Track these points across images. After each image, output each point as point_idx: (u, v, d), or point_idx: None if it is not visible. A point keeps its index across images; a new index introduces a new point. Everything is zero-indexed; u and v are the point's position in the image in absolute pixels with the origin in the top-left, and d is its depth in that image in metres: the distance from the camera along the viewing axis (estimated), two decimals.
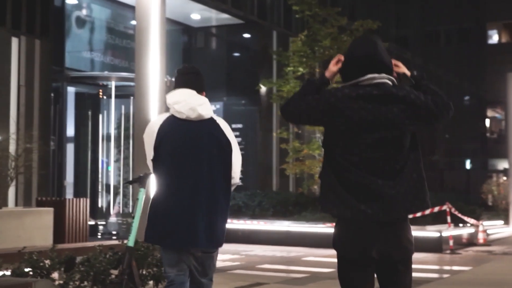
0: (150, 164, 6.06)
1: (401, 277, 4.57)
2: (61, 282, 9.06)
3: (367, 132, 4.40)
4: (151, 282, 10.21)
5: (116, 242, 11.11)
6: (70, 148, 21.35)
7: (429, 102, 4.43)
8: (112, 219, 20.73)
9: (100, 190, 21.42)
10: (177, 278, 5.84)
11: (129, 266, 8.56)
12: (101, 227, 21.02)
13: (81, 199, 14.12)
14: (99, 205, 21.42)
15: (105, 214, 21.13)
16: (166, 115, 5.81)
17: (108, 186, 21.49)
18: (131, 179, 11.74)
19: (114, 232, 20.09)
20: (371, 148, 4.39)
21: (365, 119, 4.40)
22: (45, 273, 9.08)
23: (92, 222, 20.68)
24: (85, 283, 9.43)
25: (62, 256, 9.30)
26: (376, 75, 4.47)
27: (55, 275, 9.18)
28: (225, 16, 25.63)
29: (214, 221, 5.75)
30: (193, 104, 5.68)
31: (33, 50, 17.77)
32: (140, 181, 8.60)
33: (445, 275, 13.98)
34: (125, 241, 7.94)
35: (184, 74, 5.90)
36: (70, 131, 21.33)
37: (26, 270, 8.92)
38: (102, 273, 9.36)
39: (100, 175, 21.36)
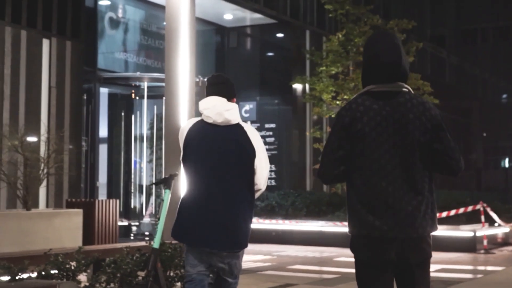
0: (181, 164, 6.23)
1: (418, 280, 4.40)
2: (87, 284, 9.04)
3: (382, 137, 4.33)
4: (178, 284, 10.17)
5: (143, 243, 11.08)
6: (103, 149, 21.41)
7: (453, 150, 4.40)
8: (145, 220, 20.76)
9: (133, 191, 21.45)
10: (197, 277, 5.94)
11: (154, 268, 8.53)
12: (134, 228, 21.07)
13: (111, 200, 14.11)
14: (132, 206, 21.46)
15: (139, 215, 21.17)
16: (197, 119, 6.02)
17: (141, 186, 21.52)
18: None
19: (147, 233, 20.12)
20: (389, 153, 4.32)
21: (381, 124, 4.33)
22: (71, 275, 9.07)
23: (125, 223, 20.75)
24: (111, 285, 9.41)
25: (89, 258, 9.28)
26: (393, 84, 4.39)
27: (81, 277, 9.16)
28: (257, 16, 25.55)
29: (235, 224, 5.83)
30: (220, 109, 5.86)
31: (64, 51, 17.80)
32: (166, 182, 8.56)
33: (479, 275, 13.78)
34: (152, 243, 7.92)
35: (213, 84, 6.06)
36: (103, 132, 21.39)
37: (52, 272, 8.91)
38: (129, 275, 9.34)
39: (133, 176, 21.39)
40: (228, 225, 5.81)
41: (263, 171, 5.94)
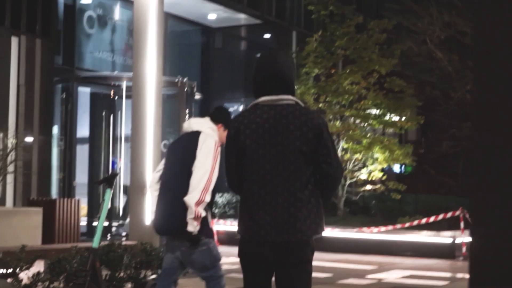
0: None
1: (296, 281, 4.70)
2: (28, 283, 8.94)
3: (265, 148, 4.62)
4: (128, 285, 10.05)
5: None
6: (84, 149, 21.29)
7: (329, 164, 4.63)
8: (128, 220, 20.61)
9: (117, 191, 21.31)
10: None
11: (93, 268, 8.43)
12: (113, 229, 20.95)
13: (73, 199, 14.03)
14: (115, 206, 21.31)
15: (123, 216, 21.02)
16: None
17: (125, 187, 21.36)
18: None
19: (124, 234, 19.98)
20: (270, 164, 4.59)
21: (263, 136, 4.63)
22: (10, 273, 8.96)
23: (105, 223, 20.63)
24: (55, 284, 9.30)
25: (31, 257, 9.18)
26: (279, 96, 4.67)
27: (23, 276, 9.05)
28: (242, 16, 25.43)
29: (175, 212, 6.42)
30: (192, 122, 6.96)
31: (34, 49, 17.69)
32: (108, 181, 8.46)
33: (445, 282, 13.63)
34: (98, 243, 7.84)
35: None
36: (84, 131, 21.28)
37: None
38: (74, 275, 9.23)
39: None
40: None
41: (195, 178, 6.37)
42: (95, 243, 8.37)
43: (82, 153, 21.09)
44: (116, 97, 21.01)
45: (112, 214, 21.03)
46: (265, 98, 4.69)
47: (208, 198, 6.33)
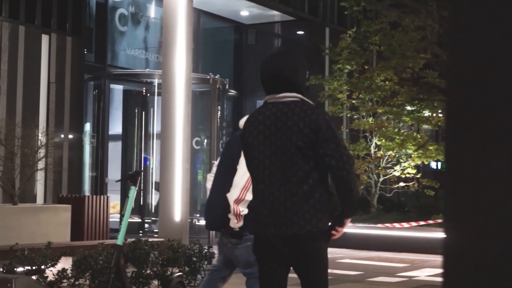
0: None
1: (309, 269, 4.83)
2: (52, 279, 8.96)
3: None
4: (155, 282, 10.04)
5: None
6: (117, 146, 21.38)
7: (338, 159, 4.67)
8: None
9: (150, 188, 21.36)
10: None
11: (117, 265, 8.40)
12: (146, 225, 21.02)
13: (101, 196, 14.05)
14: (148, 203, 21.37)
15: (155, 213, 21.06)
16: None
17: (157, 184, 21.39)
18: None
19: (156, 230, 20.03)
20: (269, 159, 4.75)
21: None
22: (36, 269, 8.99)
23: (138, 220, 20.70)
24: (80, 281, 9.32)
25: (56, 254, 9.20)
26: (283, 94, 4.79)
27: (49, 272, 9.08)
28: (275, 12, 25.35)
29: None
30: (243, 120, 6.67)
31: (65, 47, 17.78)
32: (132, 179, 8.43)
33: None
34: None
35: None
36: (117, 128, 21.38)
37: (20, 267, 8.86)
38: (100, 272, 9.24)
39: (149, 173, 21.26)
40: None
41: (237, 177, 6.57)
42: (120, 240, 8.35)
43: (115, 150, 21.18)
44: (148, 94, 21.07)
45: (144, 211, 21.10)
46: (271, 96, 4.84)
47: (249, 197, 6.35)
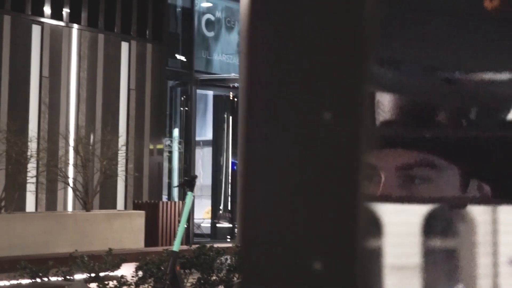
0: None
1: None
2: (112, 286, 8.95)
3: None
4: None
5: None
6: (207, 151, 21.43)
7: None
8: None
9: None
10: None
11: (173, 271, 8.32)
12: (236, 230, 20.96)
13: (175, 202, 14.02)
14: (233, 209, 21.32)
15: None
16: None
17: None
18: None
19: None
20: None
21: None
22: (95, 276, 9.00)
23: (229, 225, 20.67)
24: (140, 287, 9.28)
25: (116, 260, 9.20)
26: None
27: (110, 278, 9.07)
28: None
29: None
30: None
31: (145, 54, 17.89)
32: (188, 184, 8.33)
33: None
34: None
35: None
36: (206, 133, 21.41)
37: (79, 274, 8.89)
38: (162, 278, 9.18)
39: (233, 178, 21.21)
40: None
41: None
42: (176, 246, 8.25)
43: (205, 155, 21.19)
44: (236, 99, 21.02)
45: (234, 216, 21.02)
46: None
47: None
